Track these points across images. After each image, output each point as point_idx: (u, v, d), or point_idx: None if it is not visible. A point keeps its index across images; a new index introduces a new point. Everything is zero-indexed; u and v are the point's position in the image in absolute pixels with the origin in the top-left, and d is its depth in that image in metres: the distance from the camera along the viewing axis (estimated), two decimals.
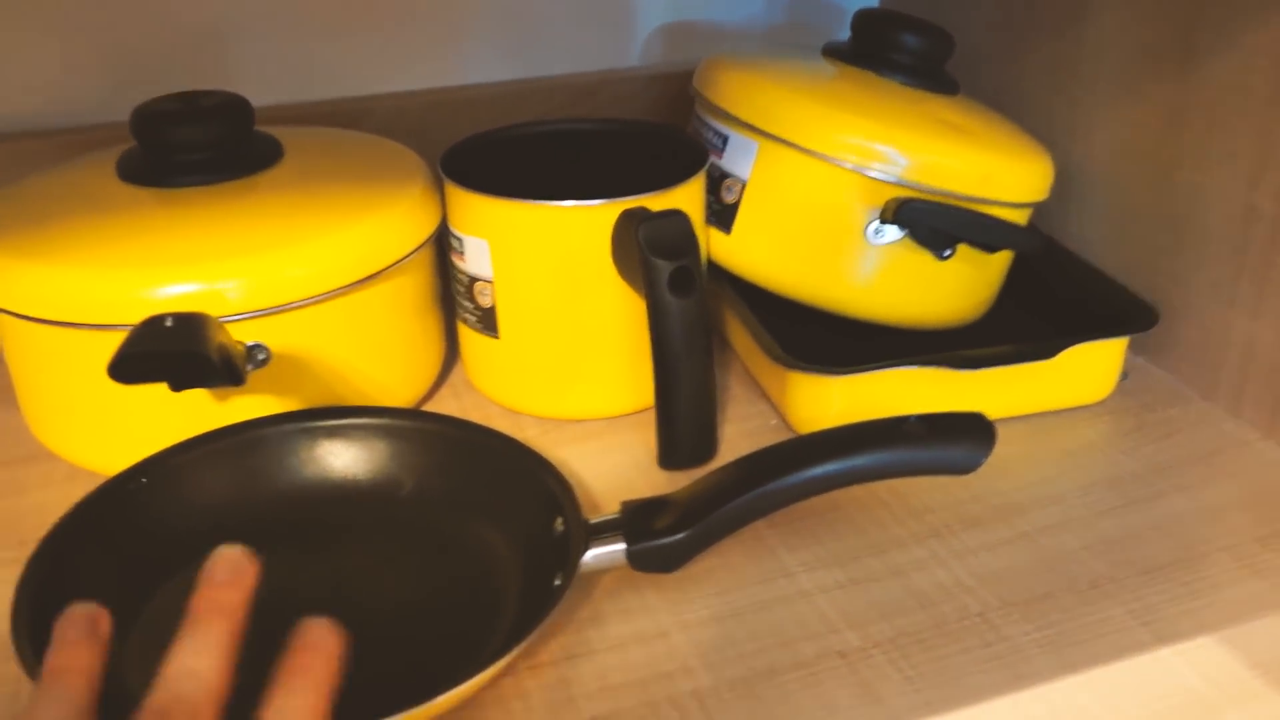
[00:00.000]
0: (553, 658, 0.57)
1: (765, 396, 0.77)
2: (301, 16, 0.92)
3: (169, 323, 0.56)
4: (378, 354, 0.72)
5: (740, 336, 0.79)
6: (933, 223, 0.71)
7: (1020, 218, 0.76)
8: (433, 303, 0.77)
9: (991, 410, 0.62)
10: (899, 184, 0.71)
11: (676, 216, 0.65)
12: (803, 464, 0.56)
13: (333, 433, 0.66)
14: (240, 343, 0.62)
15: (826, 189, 0.73)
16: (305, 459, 0.66)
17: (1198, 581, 0.61)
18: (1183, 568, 0.62)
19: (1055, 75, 0.86)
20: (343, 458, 0.66)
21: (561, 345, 0.72)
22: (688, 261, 0.63)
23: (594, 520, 0.58)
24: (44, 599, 0.53)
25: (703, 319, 0.65)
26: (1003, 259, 0.78)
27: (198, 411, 0.66)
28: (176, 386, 0.59)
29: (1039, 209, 0.78)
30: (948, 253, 0.73)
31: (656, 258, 0.63)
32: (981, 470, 0.60)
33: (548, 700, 0.54)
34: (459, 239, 0.72)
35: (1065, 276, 0.82)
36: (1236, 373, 0.74)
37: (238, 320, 0.63)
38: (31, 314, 0.64)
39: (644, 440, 0.73)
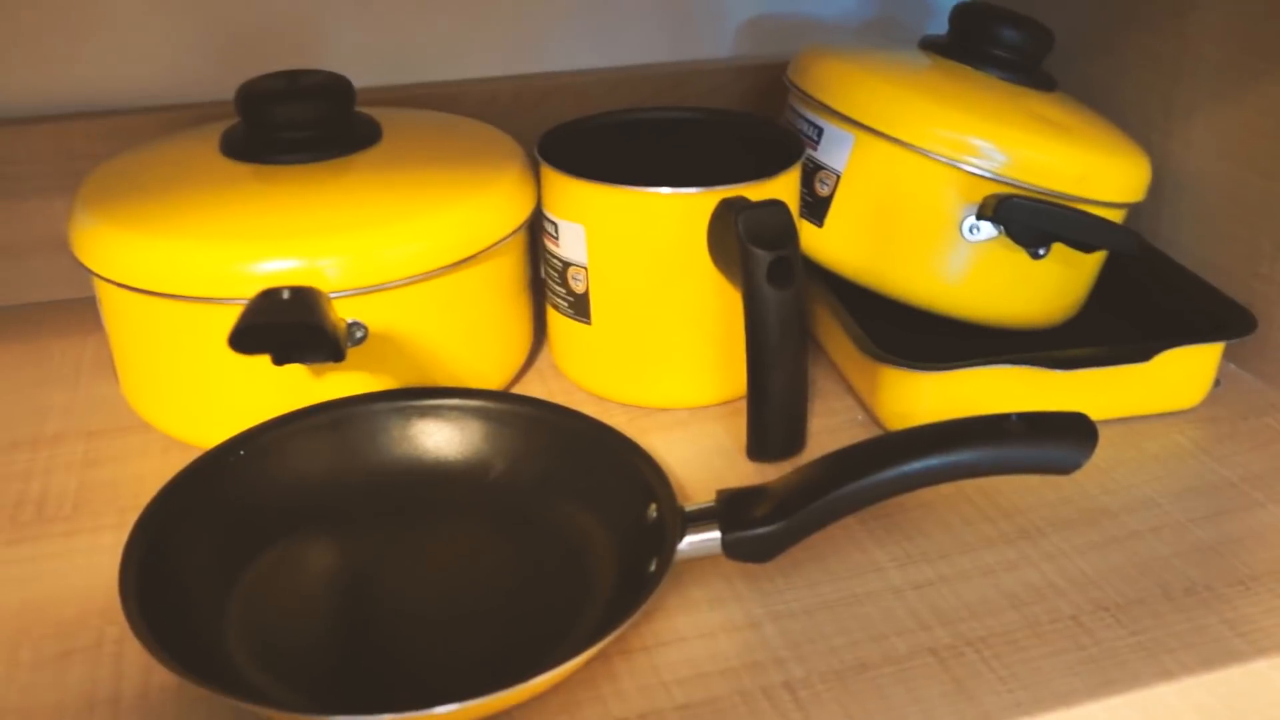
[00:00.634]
0: (644, 643, 0.57)
1: (852, 392, 0.77)
2: (399, 1, 0.92)
3: (286, 295, 0.57)
4: (470, 336, 0.72)
5: (830, 331, 0.79)
6: (1031, 220, 0.70)
7: (1116, 218, 0.76)
8: (524, 287, 0.77)
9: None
10: (995, 180, 0.71)
11: (777, 206, 0.65)
12: (903, 458, 0.56)
13: (426, 413, 0.66)
14: (343, 319, 0.63)
15: (922, 183, 0.72)
16: (398, 438, 0.66)
17: None
18: (1278, 579, 0.61)
19: (1153, 74, 0.85)
20: (435, 438, 0.66)
21: (652, 333, 0.72)
22: (787, 252, 0.63)
23: (689, 508, 0.58)
24: (148, 566, 0.54)
25: (799, 311, 0.65)
26: (1096, 260, 0.77)
27: (294, 387, 0.67)
28: (280, 360, 0.60)
29: (1131, 210, 0.77)
30: (1042, 252, 0.72)
31: (756, 248, 0.63)
32: (1073, 473, 0.59)
33: (638, 685, 0.54)
34: (554, 223, 0.72)
35: (1158, 279, 0.81)
36: None
37: (337, 297, 0.64)
38: (134, 284, 0.65)
39: (729, 431, 0.73)
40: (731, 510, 0.58)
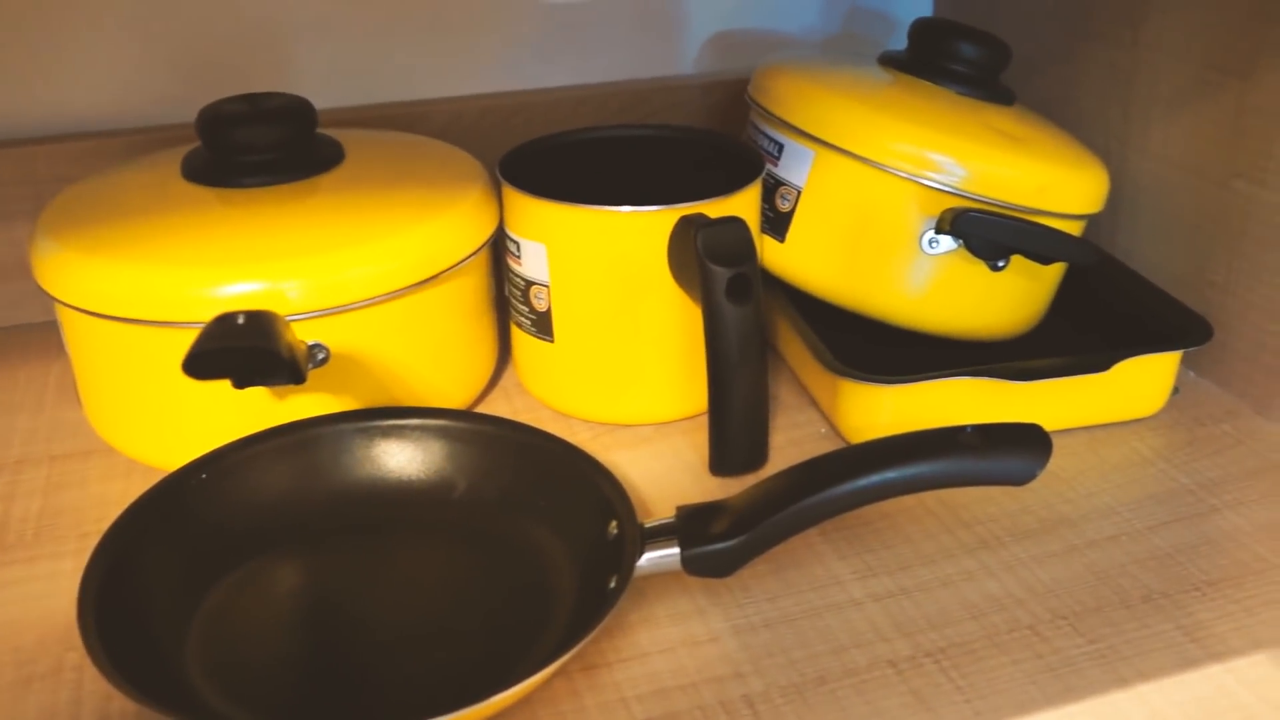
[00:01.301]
0: (605, 659, 0.57)
1: (815, 405, 0.78)
2: (362, 21, 0.93)
3: (241, 320, 0.57)
4: (433, 355, 0.72)
5: (791, 345, 0.80)
6: (989, 233, 0.71)
7: (1074, 229, 0.76)
8: (488, 306, 0.77)
9: (1042, 422, 0.62)
10: (954, 194, 0.72)
11: (735, 223, 0.65)
12: (859, 472, 0.56)
13: (389, 433, 0.67)
14: (302, 341, 0.63)
15: (882, 198, 0.73)
16: (361, 458, 0.66)
17: (1250, 599, 0.61)
18: (1235, 584, 0.62)
19: (1109, 84, 0.86)
20: (398, 458, 0.67)
21: (615, 350, 0.73)
22: (746, 269, 0.64)
23: (649, 524, 0.58)
24: (108, 590, 0.54)
25: (759, 327, 0.65)
26: (1056, 271, 0.78)
27: (256, 409, 0.67)
28: (240, 384, 0.61)
29: (1090, 220, 0.78)
30: (1002, 264, 0.73)
31: (715, 264, 0.63)
32: (1032, 483, 0.60)
33: (600, 701, 0.55)
34: (516, 243, 0.73)
35: (1117, 289, 0.82)
36: None
37: (299, 320, 0.64)
38: (97, 310, 0.65)
39: (694, 446, 0.73)
40: (690, 526, 0.58)
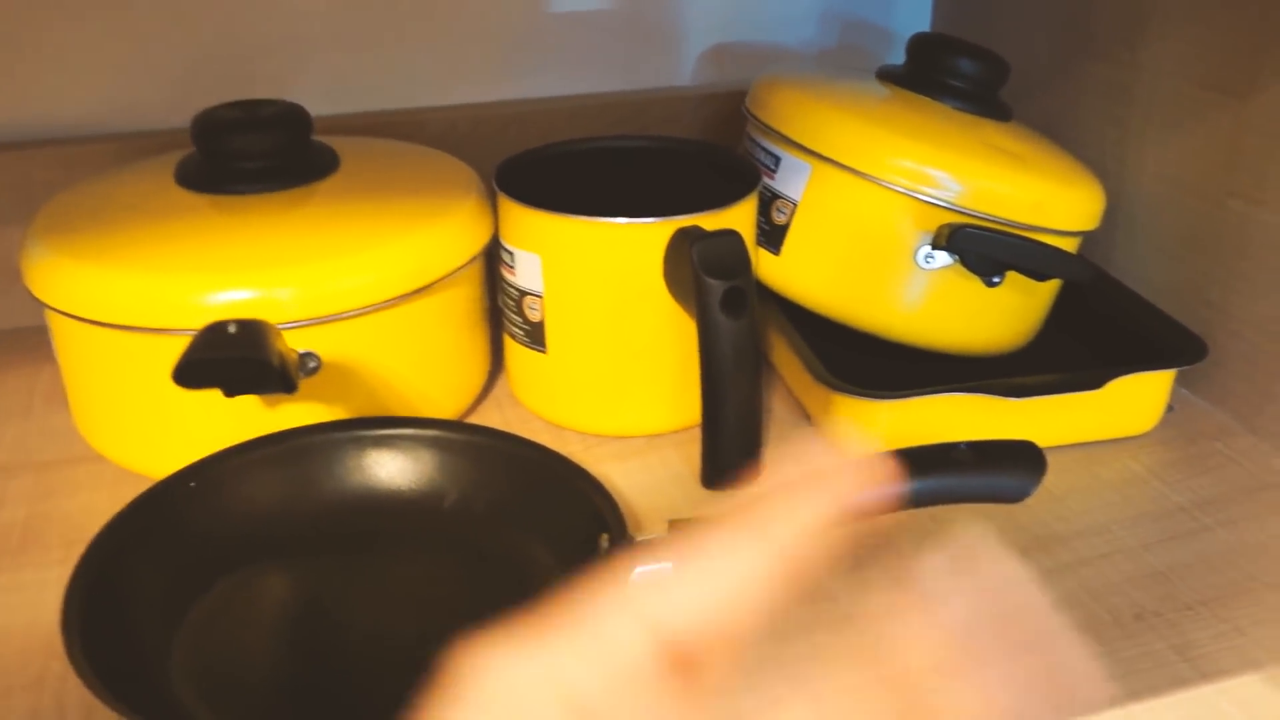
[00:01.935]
0: None
1: (808, 419, 0.77)
2: (358, 28, 0.92)
3: (232, 329, 0.57)
4: (425, 365, 0.72)
5: (785, 358, 0.79)
6: (985, 249, 0.71)
7: (1070, 246, 0.76)
8: (481, 316, 0.77)
9: (1036, 439, 0.61)
10: (951, 209, 0.71)
11: (731, 236, 0.65)
12: None
13: (380, 442, 0.66)
14: (294, 350, 0.63)
15: (878, 212, 0.73)
16: (352, 467, 0.66)
17: (1242, 618, 0.61)
18: (1227, 604, 0.62)
19: (1108, 103, 0.86)
20: (389, 468, 0.66)
21: (608, 362, 0.73)
22: (741, 282, 0.64)
23: (641, 539, 0.58)
24: (93, 600, 0.54)
25: (753, 340, 0.65)
26: (1051, 287, 0.78)
27: (247, 417, 0.66)
28: (231, 392, 0.60)
29: (1086, 237, 0.78)
30: (997, 280, 0.73)
31: (710, 277, 0.63)
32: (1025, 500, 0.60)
33: None
34: (510, 253, 0.73)
35: (1112, 306, 0.82)
36: None
37: (291, 328, 0.64)
38: (86, 316, 0.65)
39: (686, 458, 0.73)
40: None
